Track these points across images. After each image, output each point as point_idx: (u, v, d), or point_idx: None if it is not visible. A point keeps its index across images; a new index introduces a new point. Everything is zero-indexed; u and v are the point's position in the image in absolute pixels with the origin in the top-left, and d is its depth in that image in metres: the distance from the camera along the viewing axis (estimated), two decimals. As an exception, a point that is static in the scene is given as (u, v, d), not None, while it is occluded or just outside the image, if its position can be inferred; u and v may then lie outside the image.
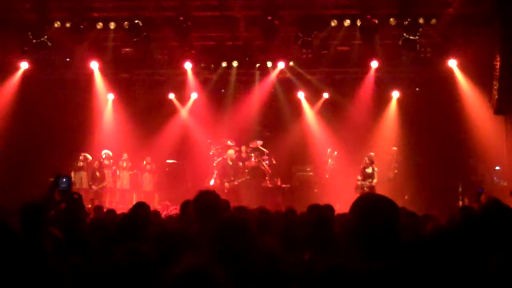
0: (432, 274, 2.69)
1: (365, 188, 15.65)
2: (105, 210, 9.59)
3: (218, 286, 2.39)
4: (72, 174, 16.02)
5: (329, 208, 6.30)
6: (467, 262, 3.00)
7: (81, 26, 13.86)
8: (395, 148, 17.09)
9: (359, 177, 16.17)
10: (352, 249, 2.97)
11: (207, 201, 4.57)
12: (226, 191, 15.69)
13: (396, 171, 16.73)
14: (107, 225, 4.40)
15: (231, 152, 16.77)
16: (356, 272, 2.39)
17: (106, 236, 4.15)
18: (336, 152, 17.37)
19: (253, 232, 3.26)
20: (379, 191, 15.39)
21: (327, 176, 17.40)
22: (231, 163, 16.64)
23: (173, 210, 13.30)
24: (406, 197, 16.05)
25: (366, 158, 16.17)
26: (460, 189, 14.74)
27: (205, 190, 4.82)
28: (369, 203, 2.99)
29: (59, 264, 2.86)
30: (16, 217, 4.71)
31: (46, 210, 5.10)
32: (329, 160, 17.53)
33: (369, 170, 16.04)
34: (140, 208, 5.22)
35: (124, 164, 17.91)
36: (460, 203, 14.09)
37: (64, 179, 5.49)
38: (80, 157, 17.01)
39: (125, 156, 17.90)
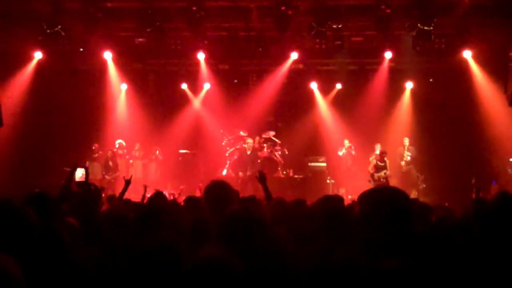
0: (442, 271, 2.68)
1: (381, 179, 15.62)
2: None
3: (234, 276, 2.41)
4: (87, 163, 16.10)
5: (338, 199, 6.29)
6: (480, 254, 3.00)
7: (95, 16, 13.87)
8: (407, 138, 17.00)
9: (371, 170, 16.14)
10: (365, 240, 2.98)
11: (217, 192, 4.57)
12: (239, 181, 15.71)
13: (403, 162, 16.66)
14: (124, 215, 4.42)
15: (250, 141, 16.74)
16: (365, 271, 2.38)
17: (123, 226, 4.18)
18: (352, 146, 17.33)
19: (263, 224, 3.23)
20: (392, 182, 15.40)
21: (348, 164, 17.35)
22: (249, 152, 16.59)
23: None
24: (419, 188, 16.01)
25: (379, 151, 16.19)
26: (473, 181, 14.63)
27: (217, 180, 4.81)
28: (380, 195, 2.99)
29: (79, 254, 2.88)
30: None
31: (62, 201, 5.15)
32: (343, 150, 17.49)
33: (381, 162, 16.04)
34: (158, 198, 5.25)
35: (137, 154, 18.02)
36: (473, 195, 14.00)
37: (81, 170, 5.54)
38: (94, 148, 17.13)
39: (137, 146, 18.01)
